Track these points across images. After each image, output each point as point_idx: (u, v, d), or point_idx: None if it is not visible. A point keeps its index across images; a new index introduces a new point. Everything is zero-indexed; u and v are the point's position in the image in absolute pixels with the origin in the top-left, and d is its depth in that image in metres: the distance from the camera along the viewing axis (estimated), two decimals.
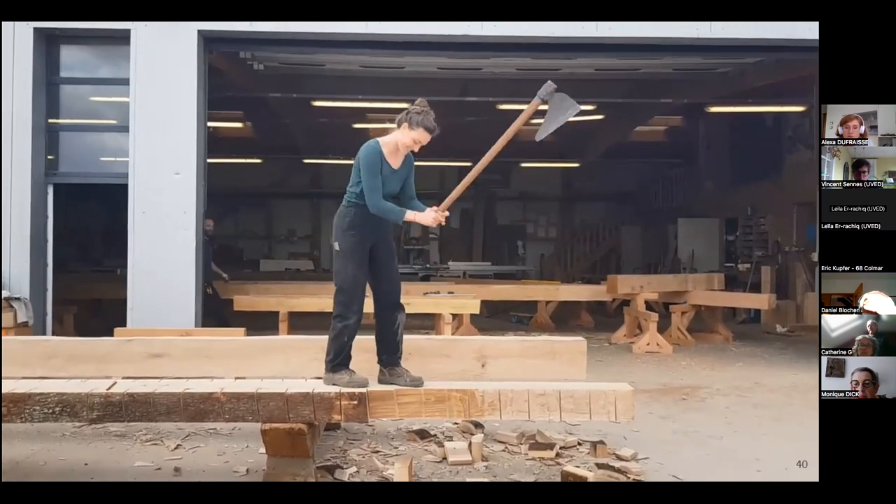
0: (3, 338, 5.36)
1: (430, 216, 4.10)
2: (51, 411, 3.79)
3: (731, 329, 10.46)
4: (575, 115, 4.07)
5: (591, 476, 3.69)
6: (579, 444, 4.72)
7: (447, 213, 4.15)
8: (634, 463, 4.34)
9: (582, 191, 21.27)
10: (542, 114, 4.21)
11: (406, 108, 4.15)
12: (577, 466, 3.97)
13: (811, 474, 3.08)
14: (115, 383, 4.02)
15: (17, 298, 6.90)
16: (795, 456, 4.51)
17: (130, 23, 7.21)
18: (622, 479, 4.00)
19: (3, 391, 3.81)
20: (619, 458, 4.42)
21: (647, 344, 8.97)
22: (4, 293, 6.83)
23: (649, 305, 9.90)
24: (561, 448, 4.56)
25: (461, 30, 7.42)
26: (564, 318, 11.72)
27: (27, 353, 4.70)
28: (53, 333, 7.41)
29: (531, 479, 4.07)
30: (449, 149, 12.31)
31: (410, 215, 4.09)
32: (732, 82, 10.78)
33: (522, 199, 21.67)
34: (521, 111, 4.13)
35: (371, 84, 11.30)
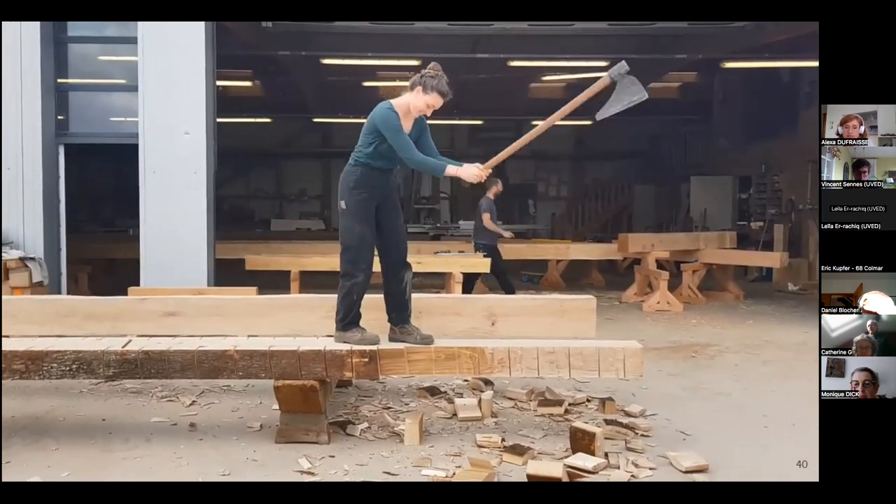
0: (21, 297, 5.45)
1: (472, 172, 4.10)
2: (68, 368, 3.87)
3: (742, 287, 10.45)
4: (640, 102, 4.09)
5: (599, 431, 3.73)
6: (588, 400, 4.78)
7: (490, 171, 4.15)
8: (642, 419, 4.39)
9: (594, 149, 21.07)
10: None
11: (420, 72, 4.13)
12: (586, 422, 4.02)
13: (811, 474, 3.09)
14: (130, 341, 4.09)
15: (32, 258, 6.97)
16: (803, 412, 4.55)
17: None
18: (630, 434, 4.06)
19: (23, 349, 3.89)
20: (628, 414, 4.47)
21: (658, 302, 8.98)
22: (20, 253, 6.90)
23: (660, 264, 9.87)
24: (570, 405, 4.62)
25: None
26: (575, 277, 11.74)
27: (44, 311, 4.77)
28: (68, 293, 7.49)
29: (540, 434, 4.13)
30: (459, 107, 12.23)
31: (452, 170, 4.10)
32: (749, 36, 10.57)
33: (533, 158, 21.51)
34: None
35: (381, 41, 11.17)
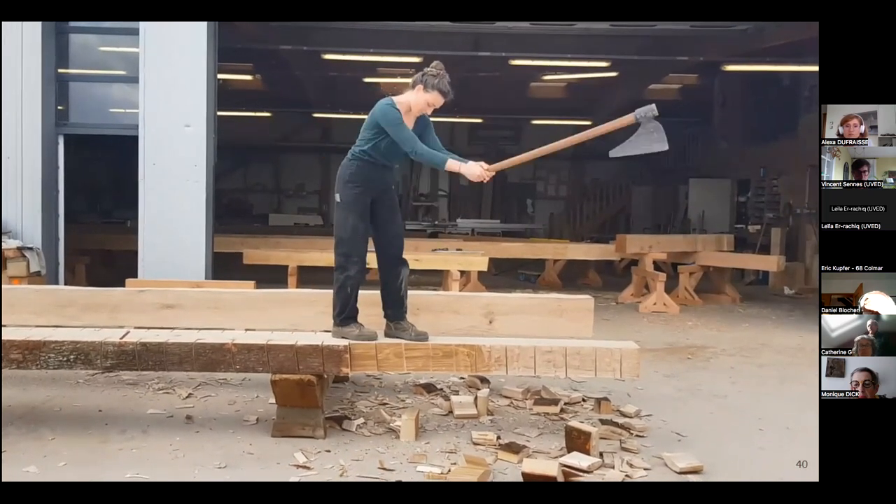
0: (19, 287, 5.44)
1: (475, 171, 4.05)
2: (66, 359, 3.87)
3: (738, 290, 10.46)
4: (658, 152, 4.01)
5: (595, 431, 3.75)
6: (584, 400, 4.79)
7: (493, 174, 4.09)
8: (638, 419, 4.40)
9: (592, 149, 21.03)
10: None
11: (422, 70, 4.13)
12: (582, 422, 4.03)
13: (811, 474, 3.10)
14: (128, 332, 4.09)
15: (30, 248, 6.96)
16: (798, 415, 4.57)
17: None
18: (625, 434, 4.07)
19: (20, 339, 3.89)
20: (623, 414, 4.48)
21: (654, 303, 9.00)
22: (18, 243, 6.90)
23: (657, 265, 9.89)
24: (565, 404, 4.63)
25: None
26: (572, 277, 11.75)
27: (42, 301, 4.77)
28: (66, 283, 7.49)
29: (535, 433, 4.14)
30: (460, 104, 12.24)
31: (454, 164, 4.06)
32: (751, 40, 10.58)
33: None
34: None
35: (382, 37, 11.15)
